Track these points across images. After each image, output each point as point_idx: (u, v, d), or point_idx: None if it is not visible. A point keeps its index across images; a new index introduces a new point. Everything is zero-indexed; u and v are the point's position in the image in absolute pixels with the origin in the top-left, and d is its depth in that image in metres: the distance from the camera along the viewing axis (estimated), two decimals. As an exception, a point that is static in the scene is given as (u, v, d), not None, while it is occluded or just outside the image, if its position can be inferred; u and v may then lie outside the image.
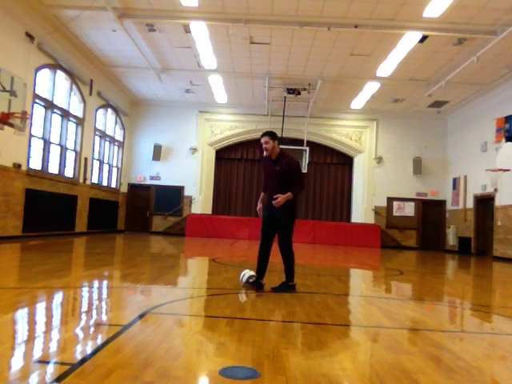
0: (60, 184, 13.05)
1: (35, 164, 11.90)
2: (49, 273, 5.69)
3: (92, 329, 3.18)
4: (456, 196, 17.32)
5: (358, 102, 17.12)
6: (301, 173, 5.16)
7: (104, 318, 3.61)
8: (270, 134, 5.08)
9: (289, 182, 4.99)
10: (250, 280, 5.17)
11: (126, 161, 18.72)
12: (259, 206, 5.26)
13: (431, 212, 18.43)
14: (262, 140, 5.07)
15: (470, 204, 16.16)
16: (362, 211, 18.63)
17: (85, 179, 14.77)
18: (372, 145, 18.74)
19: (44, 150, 12.38)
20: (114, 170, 17.97)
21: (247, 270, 5.30)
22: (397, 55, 12.43)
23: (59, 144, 13.29)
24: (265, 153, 5.12)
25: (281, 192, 4.93)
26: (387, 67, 13.39)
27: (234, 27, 11.03)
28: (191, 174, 18.55)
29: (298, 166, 5.13)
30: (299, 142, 17.70)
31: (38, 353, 2.60)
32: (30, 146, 11.38)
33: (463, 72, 13.02)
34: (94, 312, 3.79)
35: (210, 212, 18.96)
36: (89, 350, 2.64)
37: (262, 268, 5.13)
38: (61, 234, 12.92)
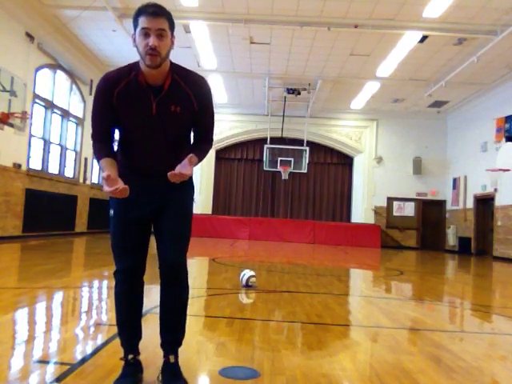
0: (60, 184, 13.05)
1: (35, 164, 11.90)
2: (49, 273, 5.69)
3: (92, 329, 3.18)
4: (456, 196, 17.32)
5: (358, 101, 17.11)
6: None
7: (104, 318, 3.61)
8: (168, 17, 2.02)
9: (187, 134, 2.29)
10: (249, 282, 4.97)
11: (126, 161, 18.69)
12: (107, 174, 2.08)
13: (431, 212, 18.42)
14: (153, 26, 1.96)
15: (470, 204, 16.16)
16: (361, 211, 18.62)
17: (85, 179, 14.76)
18: (372, 145, 18.73)
19: (44, 150, 12.38)
20: (114, 170, 17.95)
21: (247, 270, 5.30)
22: (397, 55, 12.43)
23: (59, 144, 13.29)
24: (147, 60, 1.98)
25: (173, 154, 2.21)
26: (387, 67, 13.39)
27: (234, 27, 11.03)
28: (191, 173, 18.52)
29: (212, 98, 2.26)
30: (299, 141, 17.66)
31: (37, 353, 2.60)
32: (29, 146, 11.37)
33: (463, 72, 13.01)
34: (94, 312, 3.79)
35: (209, 212, 18.94)
36: (89, 350, 2.64)
37: (132, 330, 2.22)
38: (61, 234, 12.91)
